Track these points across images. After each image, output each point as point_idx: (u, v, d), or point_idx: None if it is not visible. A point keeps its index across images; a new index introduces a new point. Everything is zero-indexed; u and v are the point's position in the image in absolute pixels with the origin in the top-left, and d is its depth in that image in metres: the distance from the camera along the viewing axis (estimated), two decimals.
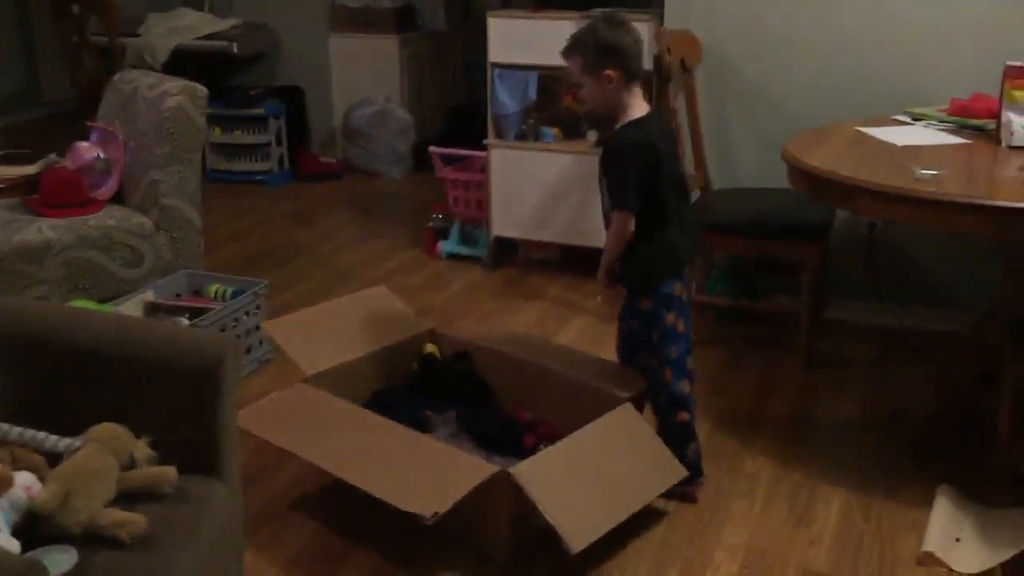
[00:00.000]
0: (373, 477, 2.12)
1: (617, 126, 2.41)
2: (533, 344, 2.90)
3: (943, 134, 2.83)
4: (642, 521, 2.31)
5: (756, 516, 2.40)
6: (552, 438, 2.41)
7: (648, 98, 3.72)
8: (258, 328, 3.14)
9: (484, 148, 4.03)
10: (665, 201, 2.38)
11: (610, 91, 2.35)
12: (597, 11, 2.53)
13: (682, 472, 2.35)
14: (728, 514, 2.41)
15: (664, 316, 2.42)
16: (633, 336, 2.53)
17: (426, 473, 2.13)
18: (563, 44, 2.40)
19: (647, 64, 3.39)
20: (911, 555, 2.23)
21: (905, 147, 2.71)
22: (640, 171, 2.33)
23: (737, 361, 3.25)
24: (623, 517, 2.19)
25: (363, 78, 5.55)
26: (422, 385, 2.71)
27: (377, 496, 2.05)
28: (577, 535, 2.05)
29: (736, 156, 3.57)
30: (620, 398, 2.42)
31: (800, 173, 2.58)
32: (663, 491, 2.33)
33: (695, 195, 3.35)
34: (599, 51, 2.33)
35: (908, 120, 3.01)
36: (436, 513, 1.95)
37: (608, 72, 2.33)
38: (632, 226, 2.36)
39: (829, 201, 2.74)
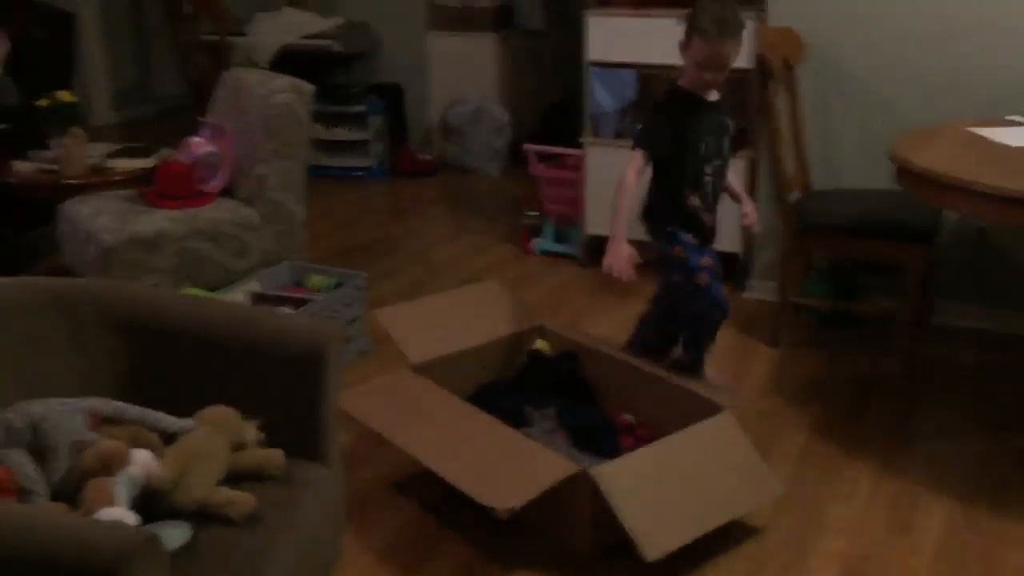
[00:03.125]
0: (457, 467, 2.14)
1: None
2: None
3: None
4: (736, 527, 2.28)
5: (855, 523, 2.35)
6: (651, 442, 2.39)
7: (747, 96, 3.67)
8: (355, 320, 3.22)
9: (579, 146, 4.03)
10: None
11: None
12: (708, 4, 2.51)
13: (777, 488, 2.30)
14: (826, 520, 2.36)
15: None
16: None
17: (509, 468, 2.13)
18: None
19: (749, 63, 3.36)
20: (1018, 570, 2.15)
21: (1020, 149, 2.61)
22: None
23: (836, 365, 3.18)
24: (707, 529, 2.12)
25: (461, 76, 5.61)
26: (527, 380, 2.73)
27: (457, 487, 2.07)
28: (653, 543, 2.00)
29: (838, 156, 3.49)
30: (721, 406, 2.37)
31: (910, 173, 2.52)
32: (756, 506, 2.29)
33: (795, 195, 3.30)
34: None
35: (1022, 121, 2.90)
36: (511, 508, 1.96)
37: None
38: None
39: (940, 203, 2.66)
